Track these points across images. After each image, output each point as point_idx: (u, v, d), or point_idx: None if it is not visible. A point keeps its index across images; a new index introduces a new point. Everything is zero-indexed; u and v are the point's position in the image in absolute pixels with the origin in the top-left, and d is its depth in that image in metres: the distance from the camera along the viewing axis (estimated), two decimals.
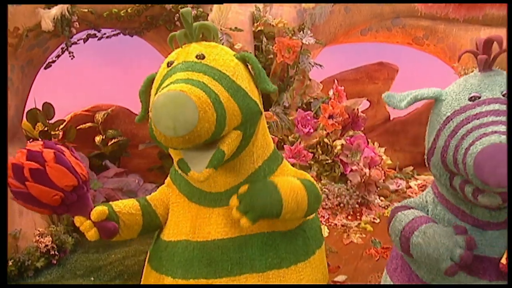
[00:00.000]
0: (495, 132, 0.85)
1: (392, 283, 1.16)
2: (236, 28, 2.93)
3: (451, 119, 0.96)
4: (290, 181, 1.04)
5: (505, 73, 1.01)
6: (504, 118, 0.88)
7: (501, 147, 0.82)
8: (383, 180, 2.82)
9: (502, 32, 3.58)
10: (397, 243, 1.07)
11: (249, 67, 1.12)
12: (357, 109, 2.90)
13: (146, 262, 1.21)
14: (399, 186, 3.11)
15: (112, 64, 4.08)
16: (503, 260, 0.96)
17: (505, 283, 0.97)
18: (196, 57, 1.02)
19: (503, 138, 0.83)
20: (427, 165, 1.08)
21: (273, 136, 2.71)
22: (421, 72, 4.45)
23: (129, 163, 3.48)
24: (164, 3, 2.85)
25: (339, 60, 4.37)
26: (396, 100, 1.08)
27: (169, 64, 1.05)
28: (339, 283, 1.93)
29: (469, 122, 0.92)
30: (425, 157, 1.07)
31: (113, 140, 3.37)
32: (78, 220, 1.00)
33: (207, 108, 0.90)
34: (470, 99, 0.96)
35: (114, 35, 3.00)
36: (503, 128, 0.86)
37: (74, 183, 0.96)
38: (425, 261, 0.98)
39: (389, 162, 2.99)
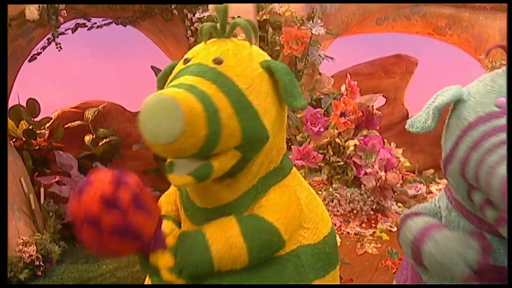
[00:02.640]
0: None
1: None
2: (239, 17, 2.92)
3: (474, 127, 0.93)
4: (225, 235, 1.02)
5: None
6: None
7: None
8: (401, 184, 2.81)
9: None
10: (409, 254, 1.07)
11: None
12: (372, 106, 2.88)
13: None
14: (418, 191, 3.10)
15: (104, 57, 4.08)
16: None
17: None
18: (213, 60, 1.02)
19: None
20: (443, 172, 1.06)
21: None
22: (443, 66, 4.42)
23: (122, 165, 3.46)
24: (164, 3, 2.86)
25: (352, 52, 4.36)
26: (420, 122, 1.04)
27: (186, 61, 1.06)
28: None
29: (495, 135, 0.89)
30: (442, 163, 1.05)
31: (104, 140, 3.36)
32: (154, 257, 1.02)
33: (196, 122, 0.90)
34: (497, 105, 0.93)
35: (105, 24, 2.99)
36: None
37: (155, 228, 0.96)
38: (439, 271, 0.97)
39: (408, 164, 2.97)
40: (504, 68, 1.00)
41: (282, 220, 1.07)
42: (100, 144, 3.35)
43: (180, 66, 1.07)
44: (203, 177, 0.97)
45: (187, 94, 0.91)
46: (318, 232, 1.17)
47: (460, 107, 1.01)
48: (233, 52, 1.05)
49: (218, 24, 1.09)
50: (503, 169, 0.83)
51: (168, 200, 1.23)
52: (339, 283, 1.25)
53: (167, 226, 1.11)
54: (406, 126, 1.08)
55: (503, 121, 0.90)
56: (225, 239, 1.01)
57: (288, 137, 2.91)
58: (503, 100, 0.93)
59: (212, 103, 0.94)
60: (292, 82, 1.05)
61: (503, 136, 0.88)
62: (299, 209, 1.13)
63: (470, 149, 0.92)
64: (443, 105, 1.02)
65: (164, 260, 1.01)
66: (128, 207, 0.88)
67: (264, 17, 3.11)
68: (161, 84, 1.14)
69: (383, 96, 4.30)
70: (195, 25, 2.98)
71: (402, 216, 1.15)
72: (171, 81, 1.03)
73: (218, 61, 1.02)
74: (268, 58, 1.11)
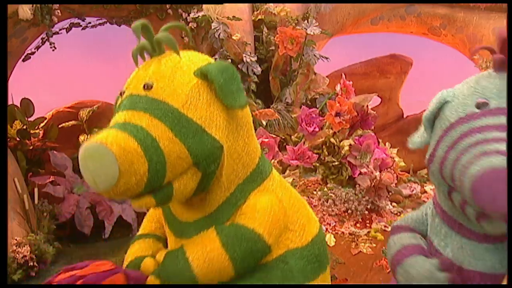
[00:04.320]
0: (498, 151, 0.83)
1: None
2: (234, 17, 2.93)
3: (454, 127, 0.95)
4: (205, 249, 1.01)
5: None
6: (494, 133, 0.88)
7: (500, 173, 0.81)
8: (395, 184, 2.81)
9: None
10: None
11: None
12: (367, 106, 2.88)
13: None
14: (413, 190, 3.09)
15: (98, 56, 4.06)
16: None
17: None
18: (144, 87, 0.98)
19: (504, 160, 0.81)
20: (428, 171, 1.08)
21: (274, 136, 2.70)
22: (438, 66, 4.45)
23: None
24: (164, 3, 2.86)
25: (348, 52, 4.37)
26: (416, 137, 1.08)
27: (121, 93, 1.03)
28: None
29: (472, 135, 0.90)
30: (426, 163, 1.05)
31: None
32: None
33: (133, 160, 0.88)
34: (477, 105, 0.94)
35: (100, 24, 3.00)
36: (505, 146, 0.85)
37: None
38: None
39: (402, 164, 2.98)
40: (490, 70, 1.00)
41: (264, 224, 1.04)
42: None
43: (118, 99, 1.03)
44: (163, 199, 0.96)
45: (119, 134, 0.89)
46: (306, 234, 1.13)
47: (444, 109, 1.02)
48: (161, 72, 1.00)
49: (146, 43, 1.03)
50: (474, 169, 0.84)
51: (151, 219, 1.23)
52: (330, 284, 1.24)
53: (145, 245, 1.14)
54: (409, 145, 1.09)
55: (480, 122, 0.92)
56: (205, 254, 1.00)
57: (283, 137, 2.91)
58: (482, 100, 0.94)
59: (148, 135, 0.91)
60: (230, 80, 1.00)
61: (479, 136, 0.89)
62: (282, 211, 1.09)
63: (448, 149, 0.94)
64: (430, 115, 1.04)
65: (151, 282, 1.01)
66: None
67: (259, 17, 3.11)
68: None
69: (378, 96, 4.30)
70: (190, 24, 2.98)
71: (391, 228, 1.19)
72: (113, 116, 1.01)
73: (148, 87, 0.98)
74: (204, 62, 1.04)
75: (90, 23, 2.93)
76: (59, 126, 3.35)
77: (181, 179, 0.96)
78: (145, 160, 0.89)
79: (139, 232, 1.22)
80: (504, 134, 0.87)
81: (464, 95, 0.99)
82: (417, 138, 1.08)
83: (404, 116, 4.41)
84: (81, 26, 2.89)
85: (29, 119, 3.18)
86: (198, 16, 2.91)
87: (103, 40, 3.67)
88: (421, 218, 1.17)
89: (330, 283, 1.21)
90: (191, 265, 0.99)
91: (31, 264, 2.25)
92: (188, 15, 2.95)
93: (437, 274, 0.97)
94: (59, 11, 2.57)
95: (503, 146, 0.85)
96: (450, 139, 0.95)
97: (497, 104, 0.93)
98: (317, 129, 2.79)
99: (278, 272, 1.07)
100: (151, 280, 1.01)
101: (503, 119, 0.90)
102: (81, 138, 3.36)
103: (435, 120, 1.06)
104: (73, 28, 2.88)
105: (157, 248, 1.14)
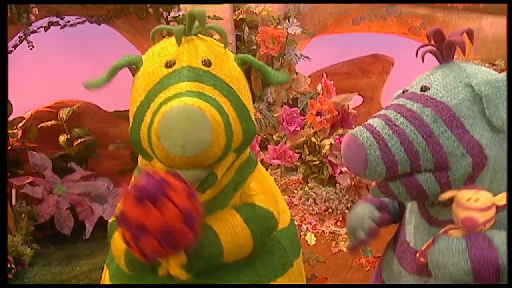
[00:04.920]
0: (364, 125, 0.96)
1: None
2: (215, 16, 2.92)
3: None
4: (230, 224, 1.01)
5: (455, 67, 0.99)
6: (386, 111, 0.98)
7: (351, 140, 0.94)
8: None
9: (503, 21, 3.63)
10: None
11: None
12: (348, 105, 2.90)
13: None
14: None
15: (78, 56, 4.03)
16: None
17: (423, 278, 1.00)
18: (202, 62, 0.98)
19: (353, 131, 0.95)
20: None
21: (256, 136, 2.71)
22: (419, 65, 4.48)
23: (97, 165, 3.43)
24: (159, 3, 2.84)
25: (330, 52, 4.40)
26: None
27: (168, 64, 0.98)
28: None
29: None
30: None
31: (79, 140, 3.32)
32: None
33: (220, 131, 0.88)
34: (421, 88, 0.99)
35: (79, 23, 2.96)
36: (377, 121, 0.95)
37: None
38: (350, 236, 1.15)
39: None
40: (477, 62, 1.05)
41: (272, 204, 1.09)
42: (75, 144, 3.30)
43: (161, 69, 0.99)
44: (208, 188, 0.97)
45: (205, 103, 0.89)
46: (286, 216, 1.21)
47: None
48: (216, 52, 1.02)
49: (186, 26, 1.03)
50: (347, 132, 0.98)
51: None
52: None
53: None
54: None
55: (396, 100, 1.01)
56: (231, 230, 1.00)
57: (264, 136, 2.92)
58: (425, 84, 1.00)
59: (224, 111, 0.92)
60: (266, 66, 1.07)
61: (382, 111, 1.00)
62: (276, 193, 1.17)
63: None
64: None
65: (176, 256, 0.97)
66: (176, 221, 0.83)
67: (241, 16, 3.11)
68: (112, 74, 1.02)
69: (360, 95, 4.34)
70: (170, 23, 2.96)
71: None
72: (157, 88, 0.96)
73: (207, 63, 0.98)
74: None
75: (69, 21, 2.89)
76: (38, 126, 3.29)
77: (222, 165, 0.99)
78: (224, 134, 0.90)
79: None
80: (384, 111, 0.98)
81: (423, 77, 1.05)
82: None
83: None
84: (60, 24, 2.85)
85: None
86: (179, 15, 2.90)
87: (82, 39, 3.64)
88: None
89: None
90: (220, 240, 0.98)
91: (9, 266, 2.21)
92: (169, 14, 2.93)
93: (366, 219, 1.09)
94: (36, 9, 2.53)
95: (374, 121, 0.96)
96: None
97: (412, 90, 1.02)
98: (298, 129, 2.80)
99: (276, 252, 1.12)
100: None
101: (401, 100, 0.99)
102: (61, 138, 3.32)
103: None
104: (52, 27, 2.84)
105: None
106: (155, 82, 0.98)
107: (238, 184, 1.09)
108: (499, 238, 0.85)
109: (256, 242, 1.03)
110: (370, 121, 0.97)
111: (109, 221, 1.14)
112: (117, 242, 1.03)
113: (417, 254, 0.98)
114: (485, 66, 1.14)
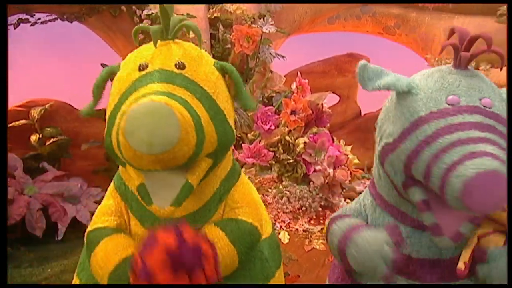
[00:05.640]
0: (485, 153, 0.83)
1: None
2: (188, 14, 2.90)
3: (427, 122, 0.93)
4: (217, 246, 0.97)
5: (480, 74, 0.99)
6: (489, 135, 0.88)
7: (498, 176, 0.81)
8: (349, 181, 2.86)
9: (475, 21, 3.70)
10: (338, 259, 1.10)
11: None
12: (322, 104, 2.93)
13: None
14: (366, 187, 3.16)
15: (49, 54, 3.94)
16: (461, 265, 0.98)
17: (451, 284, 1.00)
18: (176, 65, 0.97)
19: (497, 164, 0.82)
20: (378, 159, 1.08)
21: None
22: (394, 64, 4.52)
23: (70, 165, 3.38)
24: (152, 3, 2.81)
25: (305, 51, 4.41)
26: (366, 76, 1.01)
27: (141, 68, 0.97)
28: None
29: (452, 133, 0.89)
30: (381, 150, 1.04)
31: (51, 140, 3.27)
32: None
33: (189, 129, 0.86)
34: (448, 102, 0.94)
35: (50, 20, 2.91)
36: (491, 148, 0.85)
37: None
38: (366, 271, 1.00)
39: (357, 161, 3.03)
40: (451, 66, 1.02)
41: (256, 217, 1.08)
42: (47, 143, 3.25)
43: (134, 73, 0.98)
44: (183, 200, 0.94)
45: (173, 101, 0.87)
46: (267, 225, 1.20)
47: (408, 99, 0.99)
48: (190, 55, 1.00)
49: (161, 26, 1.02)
50: (467, 171, 0.83)
51: (109, 211, 1.09)
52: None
53: (125, 242, 1.03)
54: (358, 67, 1.03)
55: (457, 119, 0.91)
56: (218, 252, 0.96)
57: (239, 135, 2.92)
58: (453, 97, 0.94)
59: (194, 111, 0.90)
60: (242, 83, 1.06)
61: (462, 135, 0.88)
62: (259, 203, 1.16)
63: (421, 143, 0.92)
64: (395, 88, 1.00)
65: None
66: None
67: (215, 14, 3.10)
68: (98, 92, 1.04)
69: (336, 94, 4.38)
70: (144, 22, 2.93)
71: (328, 221, 1.17)
72: (129, 91, 0.95)
73: (180, 66, 0.97)
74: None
75: (39, 19, 2.84)
76: (9, 125, 3.23)
77: (197, 173, 0.95)
78: (194, 134, 0.88)
79: (98, 225, 1.08)
80: (485, 134, 0.88)
81: (431, 89, 0.97)
82: (367, 77, 1.01)
83: (362, 114, 4.49)
84: (30, 22, 2.79)
85: None
86: (152, 13, 2.88)
87: (54, 37, 3.57)
88: (359, 209, 1.17)
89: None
90: None
91: None
92: (142, 12, 2.91)
93: (386, 238, 0.98)
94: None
95: (487, 147, 0.85)
96: (423, 133, 0.93)
97: (468, 102, 0.94)
98: (273, 127, 2.81)
99: (258, 262, 1.11)
100: None
101: (479, 118, 0.91)
102: (33, 138, 3.26)
103: (394, 108, 1.04)
104: (21, 25, 2.78)
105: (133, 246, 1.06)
106: (128, 85, 0.97)
107: (222, 196, 1.08)
108: None
109: (241, 258, 1.03)
110: (488, 148, 0.86)
111: (88, 229, 1.08)
112: (101, 260, 0.99)
113: (460, 266, 0.97)
114: None
